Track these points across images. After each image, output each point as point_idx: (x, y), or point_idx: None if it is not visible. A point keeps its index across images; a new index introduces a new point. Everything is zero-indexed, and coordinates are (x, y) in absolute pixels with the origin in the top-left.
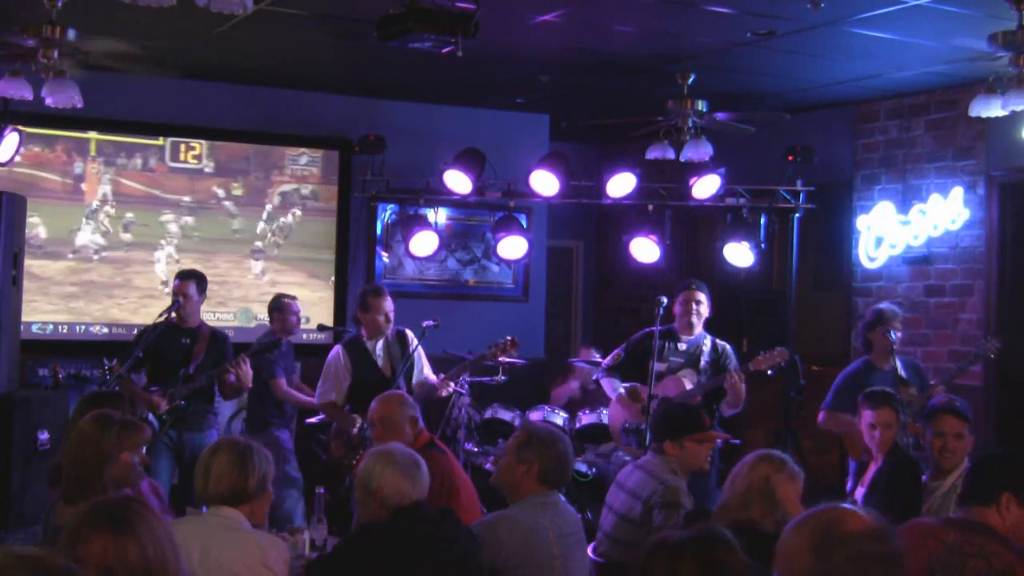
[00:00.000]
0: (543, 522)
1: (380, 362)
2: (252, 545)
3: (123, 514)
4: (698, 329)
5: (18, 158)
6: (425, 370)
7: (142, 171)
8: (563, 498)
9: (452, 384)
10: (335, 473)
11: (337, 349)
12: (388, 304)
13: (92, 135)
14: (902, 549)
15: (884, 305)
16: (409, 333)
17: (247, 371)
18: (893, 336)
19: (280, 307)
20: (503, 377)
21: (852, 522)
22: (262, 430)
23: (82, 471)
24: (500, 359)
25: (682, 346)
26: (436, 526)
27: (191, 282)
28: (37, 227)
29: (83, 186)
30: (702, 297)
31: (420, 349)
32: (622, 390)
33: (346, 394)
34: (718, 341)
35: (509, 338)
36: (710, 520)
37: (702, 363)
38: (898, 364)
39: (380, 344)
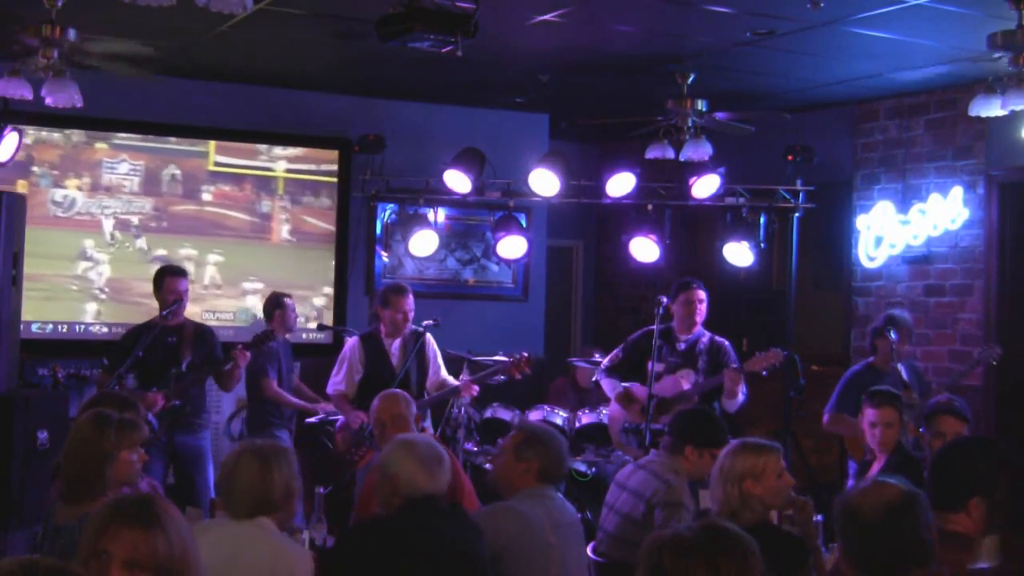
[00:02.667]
0: (539, 512)
1: (395, 360)
2: (282, 553)
3: (151, 508)
4: (697, 328)
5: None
6: (442, 372)
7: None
8: (560, 495)
9: (477, 388)
10: (339, 466)
11: (354, 341)
12: (409, 303)
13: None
14: None
15: (895, 312)
16: (428, 336)
17: (246, 359)
18: (894, 336)
19: (281, 305)
20: (503, 377)
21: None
22: (262, 430)
23: (82, 471)
24: (516, 377)
25: (680, 345)
26: (446, 521)
27: (186, 279)
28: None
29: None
30: (703, 296)
31: (436, 349)
32: (621, 389)
33: (357, 388)
34: (716, 338)
35: (525, 355)
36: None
37: (700, 361)
38: (901, 367)
39: (397, 343)
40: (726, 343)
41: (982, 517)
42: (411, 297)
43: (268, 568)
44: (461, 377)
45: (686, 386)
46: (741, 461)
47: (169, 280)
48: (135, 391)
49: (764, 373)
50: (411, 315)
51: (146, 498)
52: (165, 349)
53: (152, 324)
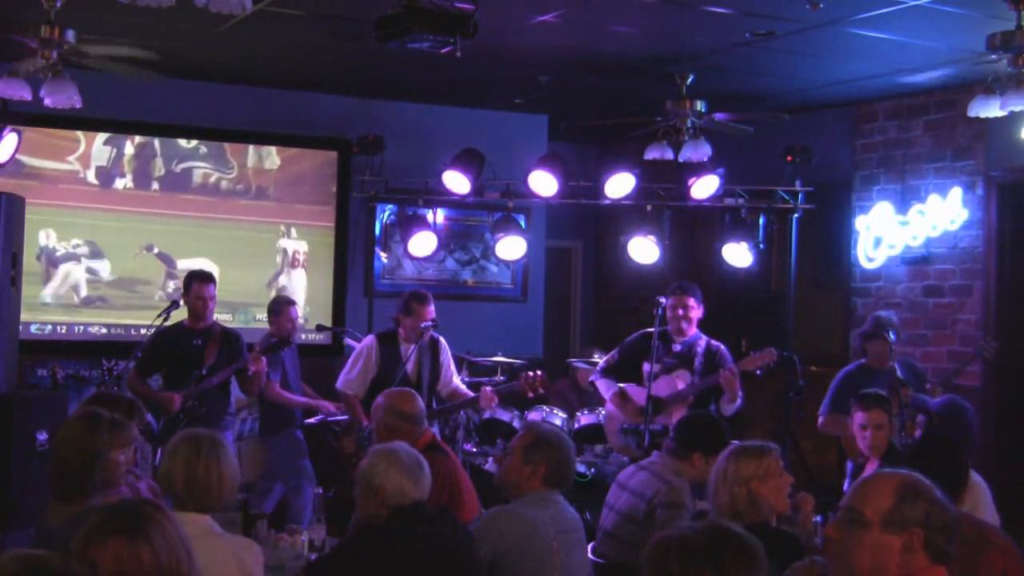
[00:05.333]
0: (543, 517)
1: (409, 365)
2: (225, 551)
3: (137, 518)
4: (691, 331)
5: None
6: (455, 380)
7: None
8: (563, 498)
9: (496, 400)
10: (343, 467)
11: (371, 340)
12: (430, 311)
13: None
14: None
15: (882, 313)
16: (442, 341)
17: (263, 365)
18: (893, 337)
19: (278, 312)
20: (502, 378)
21: (932, 487)
22: (281, 430)
23: (70, 470)
24: (529, 395)
25: (676, 347)
26: (434, 526)
27: (213, 284)
28: None
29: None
30: (690, 302)
31: (449, 356)
32: (616, 389)
33: (367, 388)
34: (712, 342)
35: (540, 374)
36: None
37: (696, 364)
38: (895, 366)
39: (413, 347)
40: (722, 347)
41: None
42: (432, 306)
43: (215, 568)
44: (463, 374)
45: (681, 386)
46: (746, 464)
47: (196, 286)
48: (157, 391)
49: (758, 372)
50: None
51: (136, 506)
52: (191, 351)
53: (179, 326)
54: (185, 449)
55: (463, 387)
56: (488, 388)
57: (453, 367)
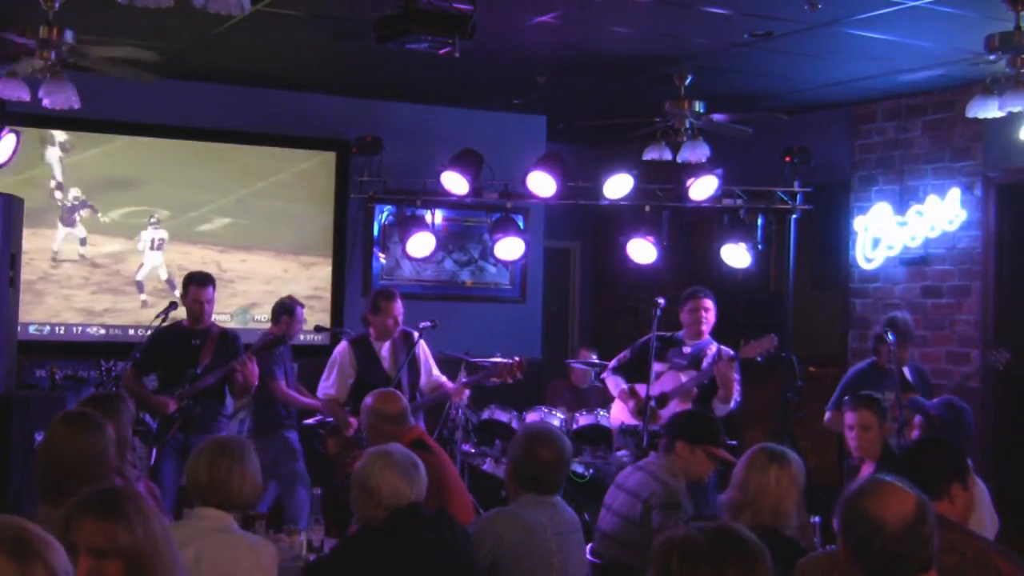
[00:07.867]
0: (541, 519)
1: (386, 363)
2: (244, 548)
3: (112, 499)
4: (705, 336)
5: None
6: (434, 372)
7: None
8: (561, 500)
9: (467, 392)
10: (331, 469)
11: (343, 346)
12: (398, 307)
13: None
14: None
15: (897, 314)
16: (416, 335)
17: (253, 370)
18: (892, 337)
19: (291, 312)
20: (496, 380)
21: None
22: (272, 431)
23: (58, 475)
24: (508, 381)
25: (687, 349)
26: (432, 528)
27: (211, 287)
28: None
29: None
30: (709, 304)
31: (427, 351)
32: (625, 387)
33: (349, 392)
34: (723, 348)
35: (517, 360)
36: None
37: (704, 364)
38: (905, 368)
39: (387, 345)
40: (732, 352)
41: (963, 502)
42: (400, 301)
43: (234, 562)
44: (459, 379)
45: (683, 379)
46: (758, 463)
47: (194, 289)
48: (151, 393)
49: (759, 359)
50: (400, 319)
51: (110, 489)
52: (188, 350)
53: (177, 326)
54: (211, 449)
55: (444, 380)
56: (463, 378)
57: (432, 361)
